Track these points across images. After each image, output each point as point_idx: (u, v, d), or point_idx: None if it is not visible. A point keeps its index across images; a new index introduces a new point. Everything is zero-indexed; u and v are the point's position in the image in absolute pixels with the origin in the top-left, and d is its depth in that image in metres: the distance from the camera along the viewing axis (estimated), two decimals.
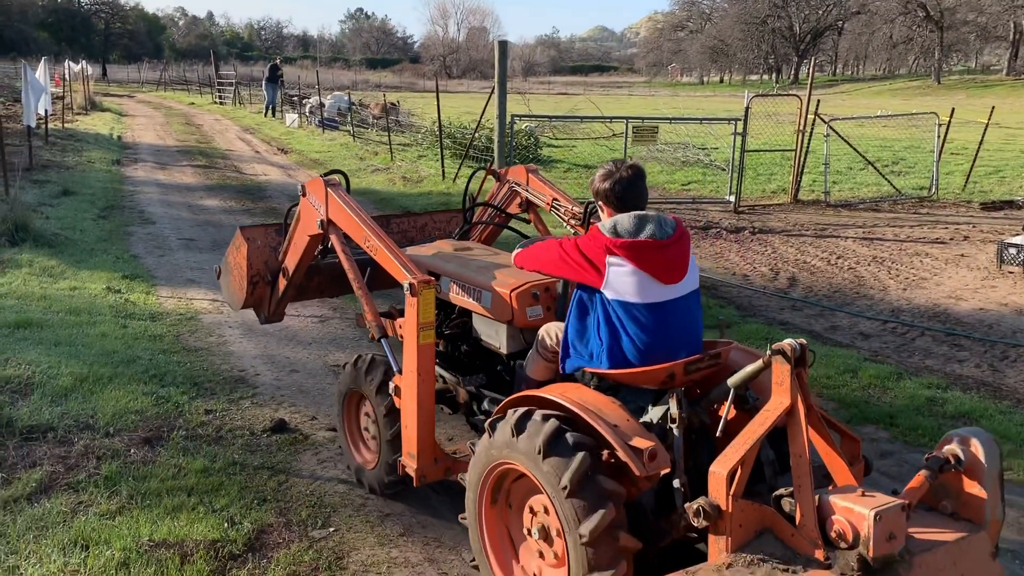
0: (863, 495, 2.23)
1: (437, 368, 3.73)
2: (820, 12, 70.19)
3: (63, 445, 4.21)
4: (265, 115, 25.41)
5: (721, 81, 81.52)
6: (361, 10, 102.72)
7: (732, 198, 12.20)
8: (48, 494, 3.75)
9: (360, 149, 17.74)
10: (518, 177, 4.54)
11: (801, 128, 12.33)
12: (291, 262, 4.19)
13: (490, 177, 4.76)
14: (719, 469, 2.33)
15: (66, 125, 19.09)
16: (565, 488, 2.51)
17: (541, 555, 2.83)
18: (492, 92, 11.96)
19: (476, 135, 13.89)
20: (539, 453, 2.59)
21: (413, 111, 23.99)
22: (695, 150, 16.99)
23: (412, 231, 4.90)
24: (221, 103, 32.94)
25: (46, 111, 14.98)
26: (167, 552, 3.35)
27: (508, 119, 11.98)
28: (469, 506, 3.07)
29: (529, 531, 2.85)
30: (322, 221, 3.81)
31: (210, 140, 19.58)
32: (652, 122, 13.35)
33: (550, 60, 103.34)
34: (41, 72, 13.90)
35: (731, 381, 2.58)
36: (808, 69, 14.77)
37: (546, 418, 2.66)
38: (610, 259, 2.82)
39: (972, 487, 2.43)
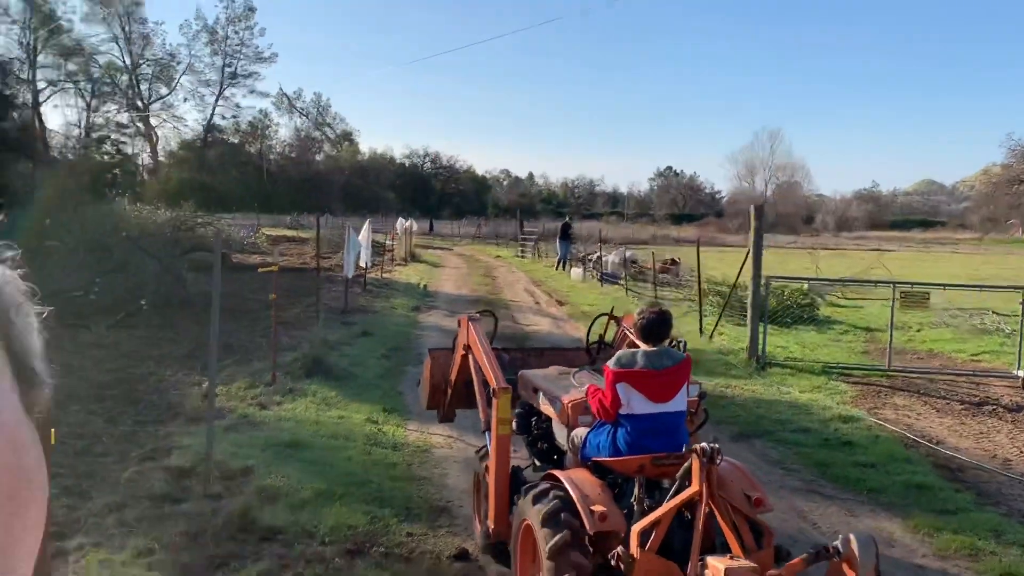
0: (731, 559, 3.06)
1: (531, 455, 5.17)
2: None
3: (286, 547, 5.10)
4: (556, 269, 27.39)
5: None
6: (671, 168, 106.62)
7: (1021, 373, 11.08)
8: None
9: (630, 302, 18.55)
10: (628, 323, 5.41)
11: None
12: (452, 374, 5.63)
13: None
14: (636, 527, 3.35)
15: (384, 275, 22.21)
16: (545, 553, 3.58)
17: None
18: (747, 253, 12.20)
19: (731, 293, 14.05)
20: (540, 523, 3.68)
21: (697, 267, 24.49)
22: (995, 317, 15.58)
23: (534, 361, 5.91)
24: (522, 256, 35.96)
25: (366, 264, 17.66)
26: None
27: (763, 280, 12.10)
28: (512, 554, 4.24)
29: None
30: (465, 345, 5.17)
31: (499, 291, 21.55)
32: (923, 288, 12.63)
33: (867, 214, 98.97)
34: (364, 232, 16.55)
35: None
36: None
37: (554, 496, 3.74)
38: (616, 383, 3.95)
39: (851, 573, 3.13)
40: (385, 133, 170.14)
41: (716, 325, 13.92)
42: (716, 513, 3.28)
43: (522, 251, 37.12)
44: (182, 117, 69.52)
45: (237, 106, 72.30)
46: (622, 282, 21.66)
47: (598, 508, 3.55)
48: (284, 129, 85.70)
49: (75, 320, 12.29)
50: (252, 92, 72.15)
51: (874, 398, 10.07)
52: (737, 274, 13.46)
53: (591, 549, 3.65)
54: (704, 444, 3.35)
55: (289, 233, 40.55)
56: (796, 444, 7.92)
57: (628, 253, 24.01)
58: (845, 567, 3.09)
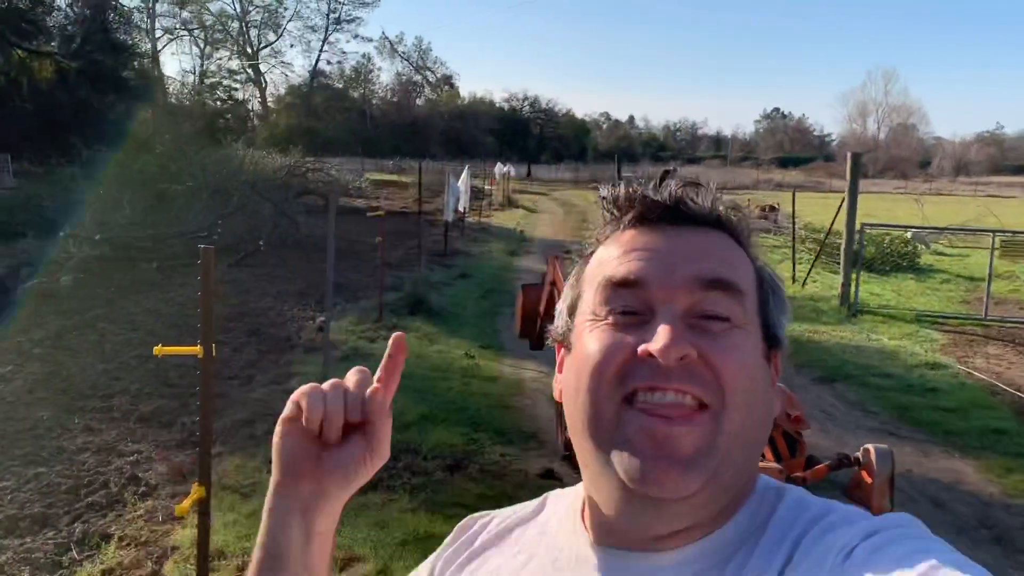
0: (760, 460, 3.81)
1: None
2: None
3: (394, 460, 5.74)
4: None
5: None
6: (778, 109, 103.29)
7: None
8: (374, 490, 5.26)
9: None
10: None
11: None
12: (541, 307, 6.23)
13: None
14: None
15: (482, 219, 22.87)
16: None
17: None
18: (842, 201, 12.17)
19: (825, 240, 14.01)
20: None
21: (801, 213, 24.15)
22: None
23: None
24: None
25: (464, 208, 18.29)
26: (432, 542, 4.58)
27: (858, 227, 12.07)
28: None
29: None
30: (551, 281, 5.71)
31: None
32: None
33: (988, 158, 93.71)
34: (464, 178, 17.13)
35: None
36: None
37: None
38: None
39: (868, 480, 3.49)
40: (485, 77, 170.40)
41: (809, 272, 13.95)
42: None
43: None
44: (289, 63, 71.86)
45: (342, 51, 74.22)
46: None
47: None
48: (386, 74, 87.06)
49: (200, 259, 13.35)
50: (356, 37, 73.87)
51: (966, 347, 10.07)
52: (832, 221, 13.42)
53: None
54: None
55: (391, 177, 41.70)
56: (878, 388, 8.12)
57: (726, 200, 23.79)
58: (864, 474, 3.45)
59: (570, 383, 0.81)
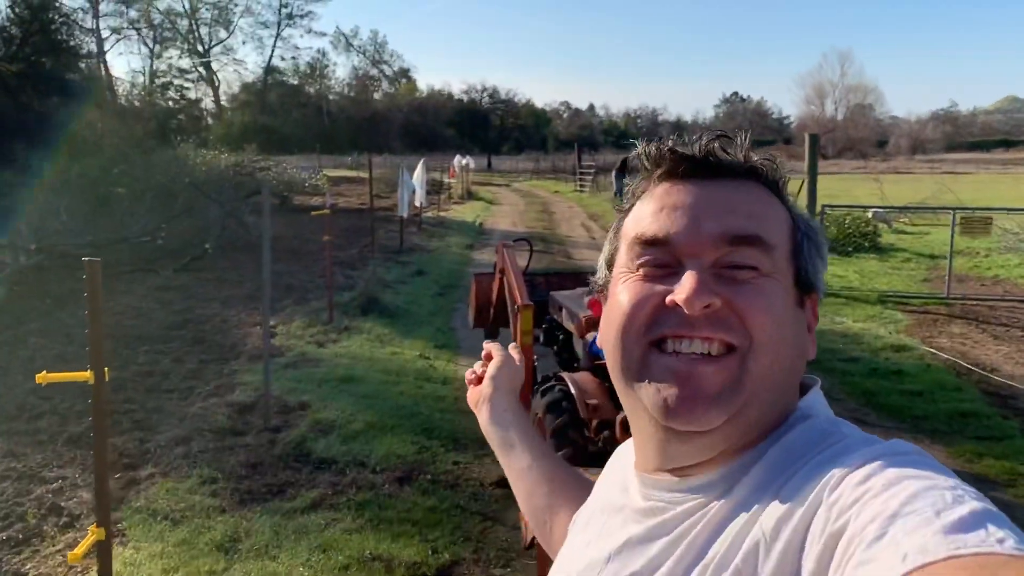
0: None
1: (558, 364, 5.87)
2: None
3: (339, 475, 5.41)
4: (613, 203, 27.22)
5: None
6: (736, 93, 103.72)
7: None
8: (316, 510, 4.91)
9: None
10: None
11: None
12: (493, 296, 6.22)
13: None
14: (620, 416, 3.98)
15: (441, 213, 22.43)
16: (548, 433, 4.43)
17: None
18: (802, 182, 11.99)
19: None
20: (544, 410, 4.57)
21: None
22: None
23: (569, 284, 6.45)
24: (581, 191, 35.75)
25: (421, 204, 17.88)
26: (378, 564, 4.28)
27: (818, 208, 11.91)
28: None
29: None
30: (500, 269, 5.72)
31: (555, 227, 21.58)
32: (986, 213, 12.27)
33: (944, 136, 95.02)
34: (418, 172, 16.72)
35: None
36: None
37: (559, 391, 4.61)
38: None
39: None
40: (442, 68, 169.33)
41: None
42: None
43: (580, 186, 36.89)
44: (242, 60, 70.54)
45: (295, 47, 72.86)
46: None
47: (591, 400, 4.28)
48: (342, 69, 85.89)
49: (144, 264, 12.84)
50: (309, 32, 73.03)
51: (930, 327, 9.94)
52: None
53: (587, 433, 4.44)
54: None
55: (349, 173, 41.01)
56: (844, 373, 7.93)
57: None
58: None
59: (605, 331, 0.88)
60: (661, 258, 0.82)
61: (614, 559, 0.85)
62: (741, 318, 0.78)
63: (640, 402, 0.82)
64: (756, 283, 0.80)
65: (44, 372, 2.63)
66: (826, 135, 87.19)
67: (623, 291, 0.84)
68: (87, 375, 2.66)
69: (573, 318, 5.35)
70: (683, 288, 0.78)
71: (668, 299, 0.79)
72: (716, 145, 0.84)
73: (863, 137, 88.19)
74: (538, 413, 4.71)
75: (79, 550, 2.60)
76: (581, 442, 4.38)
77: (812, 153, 11.59)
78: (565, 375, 4.79)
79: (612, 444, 4.03)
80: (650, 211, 0.85)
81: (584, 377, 4.73)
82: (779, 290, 0.81)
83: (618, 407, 4.22)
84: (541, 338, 6.07)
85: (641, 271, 0.83)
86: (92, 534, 2.68)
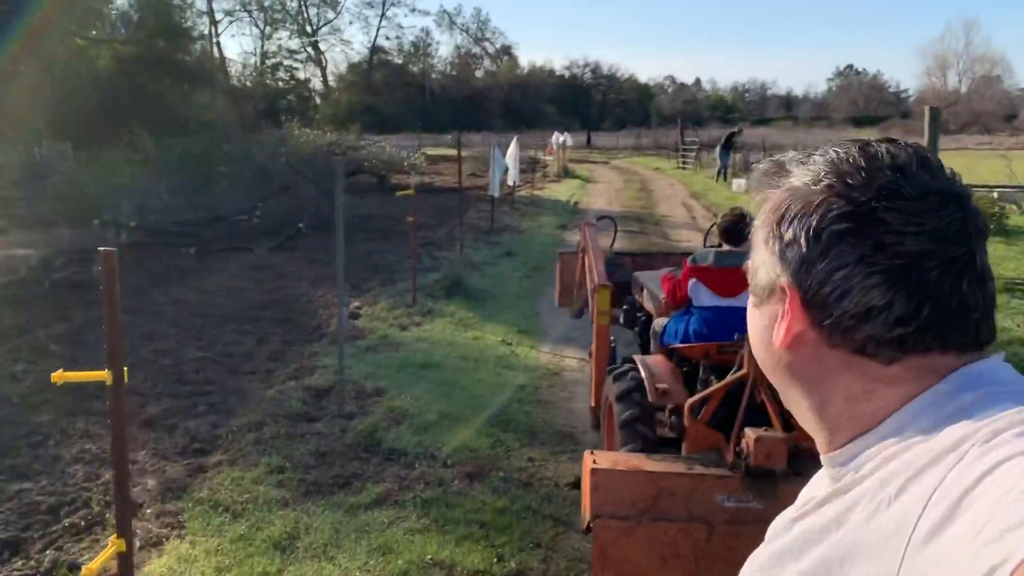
0: (765, 430, 3.29)
1: (639, 346, 5.61)
2: None
3: (407, 468, 5.18)
4: (716, 180, 26.25)
5: None
6: (851, 66, 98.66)
7: None
8: (380, 506, 4.70)
9: None
10: None
11: None
12: (578, 274, 6.16)
13: None
14: (688, 401, 3.80)
15: (534, 192, 22.05)
16: (618, 423, 4.19)
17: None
18: None
19: None
20: (616, 398, 4.27)
21: None
22: None
23: (658, 263, 6.28)
24: (683, 168, 34.72)
25: (514, 182, 17.55)
26: (438, 571, 4.02)
27: None
28: (601, 426, 4.87)
29: None
30: (583, 248, 5.78)
31: (653, 206, 20.92)
32: None
33: None
34: (512, 151, 16.38)
35: None
36: None
37: (631, 377, 4.27)
38: (689, 277, 4.47)
39: None
40: (545, 45, 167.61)
41: None
42: (762, 393, 3.49)
43: (683, 162, 35.83)
44: (349, 41, 71.49)
45: (399, 26, 73.44)
46: None
47: (661, 385, 4.15)
48: (444, 47, 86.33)
49: (240, 243, 13.02)
50: (413, 11, 73.07)
51: None
52: None
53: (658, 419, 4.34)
54: None
55: (449, 152, 41.06)
56: None
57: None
58: None
59: None
60: None
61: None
62: None
63: None
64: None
65: (60, 371, 2.44)
66: (948, 109, 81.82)
67: None
68: (104, 375, 2.46)
69: (654, 299, 5.28)
70: None
71: None
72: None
73: (989, 111, 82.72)
74: (609, 398, 4.56)
75: (95, 564, 2.41)
76: (651, 436, 4.23)
77: (933, 128, 10.62)
78: (637, 358, 4.61)
79: (681, 431, 3.97)
80: None
81: (656, 360, 4.53)
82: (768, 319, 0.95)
83: (691, 392, 4.12)
84: (621, 319, 5.97)
85: None
86: (112, 545, 2.49)
